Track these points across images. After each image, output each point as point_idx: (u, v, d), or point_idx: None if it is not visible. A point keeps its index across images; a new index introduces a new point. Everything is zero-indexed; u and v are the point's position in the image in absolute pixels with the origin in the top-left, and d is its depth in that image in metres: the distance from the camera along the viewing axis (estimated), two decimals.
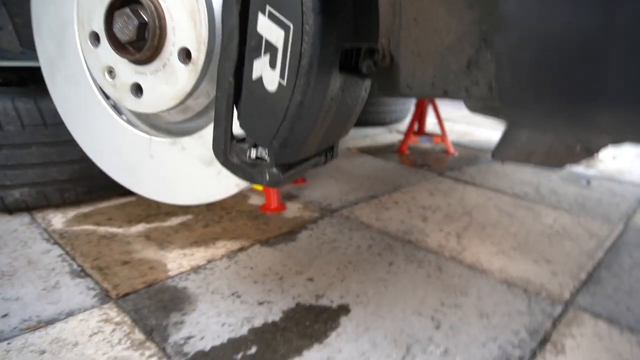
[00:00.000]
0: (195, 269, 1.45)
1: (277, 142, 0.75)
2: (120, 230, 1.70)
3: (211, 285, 1.37)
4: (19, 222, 1.74)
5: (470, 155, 3.30)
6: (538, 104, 0.46)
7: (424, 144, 3.50)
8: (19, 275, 1.37)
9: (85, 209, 1.88)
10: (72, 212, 1.85)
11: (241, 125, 0.77)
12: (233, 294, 1.33)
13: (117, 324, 1.17)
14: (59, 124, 1.82)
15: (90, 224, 1.75)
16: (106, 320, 1.18)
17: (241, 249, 1.60)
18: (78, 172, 1.83)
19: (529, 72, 0.44)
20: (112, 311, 1.22)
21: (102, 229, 1.71)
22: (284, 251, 1.60)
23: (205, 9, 0.82)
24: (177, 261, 1.49)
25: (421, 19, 1.23)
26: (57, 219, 1.78)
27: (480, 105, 1.20)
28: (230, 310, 1.25)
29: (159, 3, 0.84)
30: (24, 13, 1.49)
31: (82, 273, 1.39)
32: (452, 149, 3.36)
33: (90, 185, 1.88)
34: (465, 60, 1.18)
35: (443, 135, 3.39)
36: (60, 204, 1.87)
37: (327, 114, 0.81)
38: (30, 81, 2.20)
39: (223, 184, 0.91)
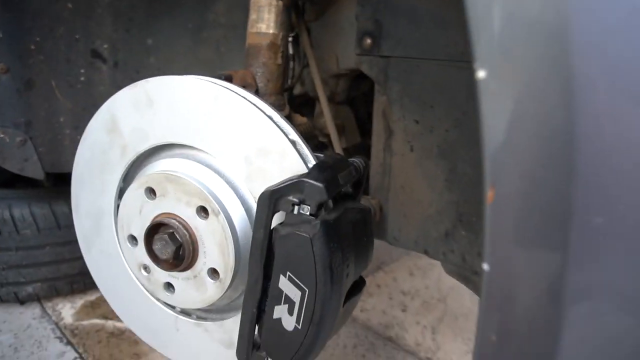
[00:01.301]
0: None
1: None
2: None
3: None
4: (30, 315, 1.87)
5: None
6: None
7: None
8: None
9: (92, 297, 2.02)
10: (79, 301, 1.99)
11: (261, 344, 0.95)
12: None
13: None
14: (71, 225, 1.96)
15: (99, 317, 1.89)
16: None
17: None
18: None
19: None
20: None
21: (110, 324, 1.85)
22: None
23: (233, 245, 0.98)
24: None
25: (407, 187, 1.43)
26: (67, 310, 1.92)
27: (455, 271, 1.39)
28: None
29: (193, 231, 1.00)
30: (47, 143, 1.62)
31: None
32: None
33: None
34: (444, 230, 1.39)
35: None
36: (68, 294, 2.01)
37: (332, 333, 0.99)
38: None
39: None
